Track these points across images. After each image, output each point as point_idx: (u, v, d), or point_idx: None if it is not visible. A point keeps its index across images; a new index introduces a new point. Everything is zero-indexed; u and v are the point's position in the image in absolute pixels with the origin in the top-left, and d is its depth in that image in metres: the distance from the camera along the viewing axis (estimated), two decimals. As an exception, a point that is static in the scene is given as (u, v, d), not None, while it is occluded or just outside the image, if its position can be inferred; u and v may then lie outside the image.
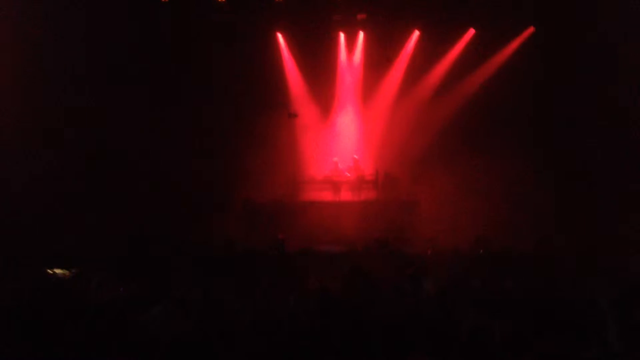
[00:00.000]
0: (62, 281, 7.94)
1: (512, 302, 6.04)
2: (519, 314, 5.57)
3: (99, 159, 13.65)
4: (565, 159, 13.67)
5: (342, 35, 15.56)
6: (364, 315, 5.58)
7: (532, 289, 6.98)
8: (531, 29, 14.69)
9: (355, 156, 15.25)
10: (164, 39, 14.26)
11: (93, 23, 13.17)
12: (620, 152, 13.08)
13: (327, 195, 14.70)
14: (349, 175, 14.96)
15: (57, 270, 8.49)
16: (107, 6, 13.14)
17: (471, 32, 15.00)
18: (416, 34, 15.24)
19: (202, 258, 10.26)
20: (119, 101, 13.73)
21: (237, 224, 13.12)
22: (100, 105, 13.60)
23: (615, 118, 13.10)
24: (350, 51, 15.72)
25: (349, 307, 5.85)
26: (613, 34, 12.59)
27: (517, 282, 7.38)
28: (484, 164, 13.72)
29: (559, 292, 6.66)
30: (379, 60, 15.34)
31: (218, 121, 14.62)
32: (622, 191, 12.59)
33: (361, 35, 15.50)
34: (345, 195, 14.67)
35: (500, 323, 5.18)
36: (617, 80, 12.87)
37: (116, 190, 13.46)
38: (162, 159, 14.04)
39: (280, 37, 15.55)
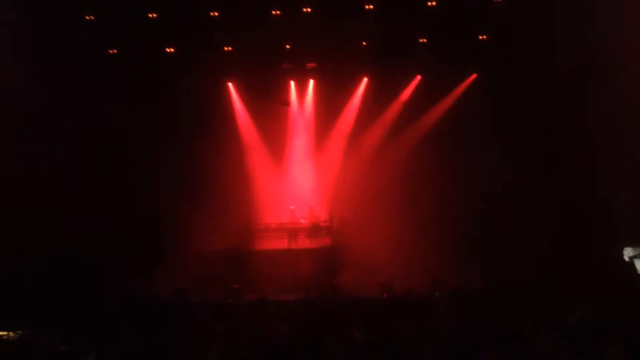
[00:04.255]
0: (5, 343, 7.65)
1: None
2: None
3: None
4: (517, 202, 13.96)
5: (292, 83, 15.81)
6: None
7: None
8: (474, 76, 15.26)
9: (292, 206, 15.24)
10: (114, 90, 14.15)
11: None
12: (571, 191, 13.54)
13: (281, 243, 14.55)
14: (303, 222, 14.87)
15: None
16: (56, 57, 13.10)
17: (417, 78, 15.48)
18: (365, 80, 15.62)
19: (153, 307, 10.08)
20: (64, 154, 13.56)
21: (188, 273, 12.81)
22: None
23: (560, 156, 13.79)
24: (301, 98, 15.95)
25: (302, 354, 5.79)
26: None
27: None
28: (437, 206, 13.91)
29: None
30: (330, 106, 15.57)
31: (169, 169, 14.49)
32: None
33: (311, 82, 15.78)
34: (301, 243, 14.56)
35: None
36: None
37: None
38: (109, 208, 13.76)
39: (231, 86, 15.69)
